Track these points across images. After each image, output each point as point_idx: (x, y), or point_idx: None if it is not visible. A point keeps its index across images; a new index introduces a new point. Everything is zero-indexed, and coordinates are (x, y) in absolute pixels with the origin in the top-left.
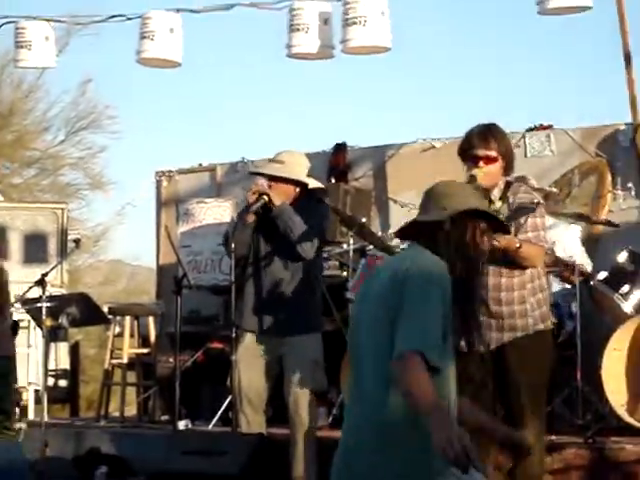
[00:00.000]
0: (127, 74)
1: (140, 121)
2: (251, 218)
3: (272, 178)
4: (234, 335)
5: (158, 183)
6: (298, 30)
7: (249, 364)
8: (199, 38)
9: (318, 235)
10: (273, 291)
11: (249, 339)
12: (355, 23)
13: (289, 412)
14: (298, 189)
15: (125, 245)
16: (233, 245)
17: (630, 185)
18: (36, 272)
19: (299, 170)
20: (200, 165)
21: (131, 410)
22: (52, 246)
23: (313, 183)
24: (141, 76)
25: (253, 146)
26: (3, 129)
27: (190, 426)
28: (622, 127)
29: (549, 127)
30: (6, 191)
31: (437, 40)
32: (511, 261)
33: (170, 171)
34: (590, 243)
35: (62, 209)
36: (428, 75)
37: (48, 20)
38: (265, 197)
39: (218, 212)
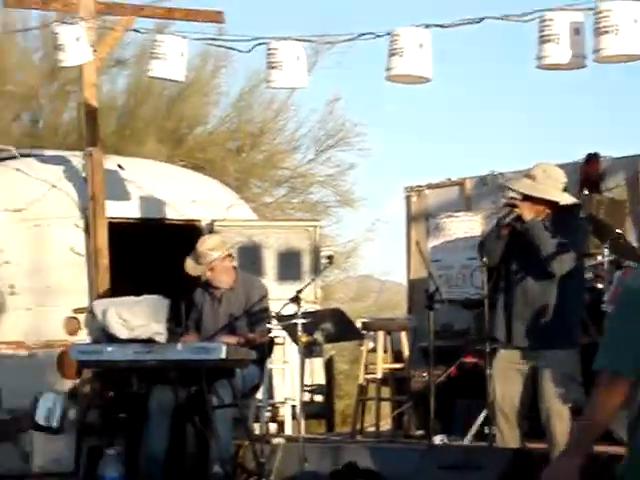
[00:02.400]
0: (375, 91)
1: (389, 137)
2: (505, 230)
3: (523, 196)
4: (488, 349)
5: (407, 198)
6: (549, 41)
7: (504, 378)
8: (448, 52)
9: (576, 250)
10: (526, 305)
11: (503, 353)
12: (607, 32)
13: (544, 427)
14: (549, 206)
15: (375, 260)
16: (485, 255)
17: None
18: (290, 289)
19: (552, 186)
20: (449, 179)
21: (386, 425)
22: (305, 263)
23: (567, 199)
24: (389, 92)
25: (502, 158)
26: (254, 149)
27: (446, 441)
28: None
29: None
30: (259, 210)
31: None
32: None
33: (419, 186)
34: None
35: (315, 227)
36: None
37: (299, 40)
38: (517, 210)
39: (468, 226)
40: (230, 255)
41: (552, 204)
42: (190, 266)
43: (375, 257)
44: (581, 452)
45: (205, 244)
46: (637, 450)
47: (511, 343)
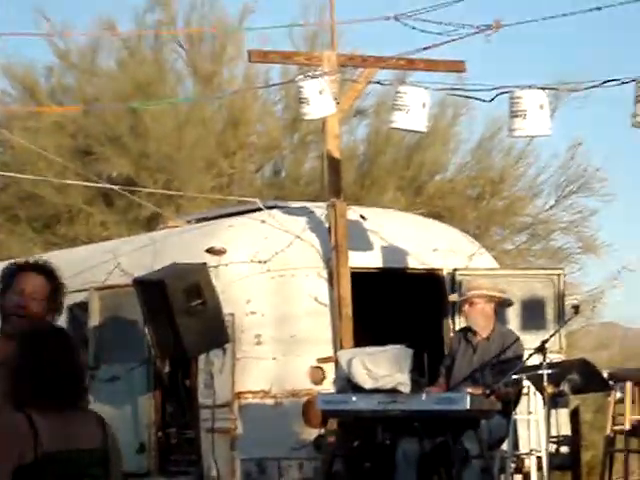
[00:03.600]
0: (617, 136)
1: (632, 182)
2: None
3: None
4: None
5: None
6: None
7: None
8: None
9: None
10: None
11: None
12: None
13: None
14: None
15: (619, 307)
16: None
17: None
18: (534, 338)
19: None
20: None
21: (635, 477)
22: (549, 312)
23: None
24: (631, 137)
25: None
26: (494, 196)
27: None
28: None
29: None
30: (499, 257)
31: None
32: None
33: None
34: None
35: (558, 275)
36: None
37: (543, 88)
38: None
39: None
40: (494, 302)
41: None
42: (453, 296)
43: (619, 304)
44: None
45: (476, 280)
46: None
47: None
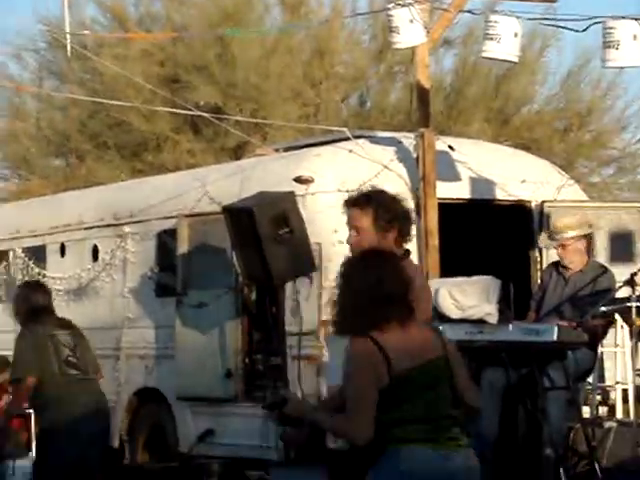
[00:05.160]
0: None
1: None
2: None
3: None
4: None
5: None
6: None
7: None
8: None
9: None
10: None
11: None
12: None
13: None
14: None
15: None
16: None
17: None
18: (622, 271)
19: None
20: None
21: None
22: (638, 245)
23: None
24: None
25: None
26: (581, 128)
27: None
28: None
29: None
30: (586, 190)
31: None
32: None
33: None
34: None
35: None
36: None
37: (636, 19)
38: None
39: None
40: (586, 236)
41: None
42: (543, 239)
43: None
44: None
45: (562, 220)
46: None
47: None
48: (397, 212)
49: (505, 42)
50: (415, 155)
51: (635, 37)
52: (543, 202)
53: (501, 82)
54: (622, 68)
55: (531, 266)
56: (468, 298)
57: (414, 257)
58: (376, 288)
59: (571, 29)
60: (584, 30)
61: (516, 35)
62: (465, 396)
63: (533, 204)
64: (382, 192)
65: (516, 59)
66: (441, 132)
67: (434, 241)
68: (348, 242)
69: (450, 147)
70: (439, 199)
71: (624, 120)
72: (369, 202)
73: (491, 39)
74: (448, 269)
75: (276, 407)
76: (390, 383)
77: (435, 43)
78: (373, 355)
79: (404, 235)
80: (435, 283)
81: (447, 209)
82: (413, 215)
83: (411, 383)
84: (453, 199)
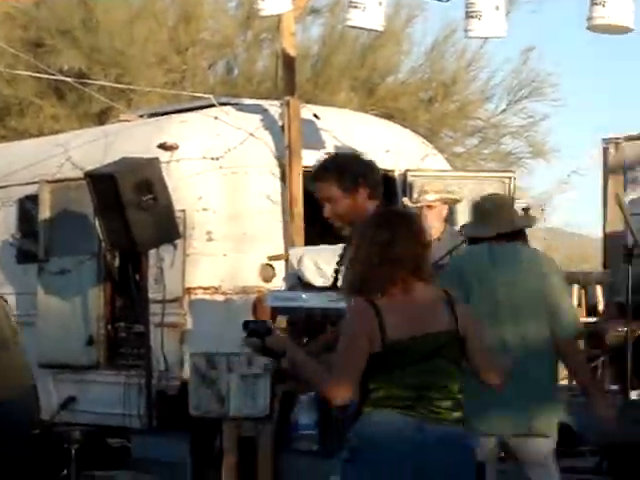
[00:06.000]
0: (570, 41)
1: (584, 88)
2: None
3: None
4: None
5: (605, 151)
6: None
7: None
8: None
9: None
10: None
11: None
12: None
13: None
14: None
15: (565, 213)
16: None
17: None
18: None
19: None
20: None
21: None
22: None
23: None
24: (585, 42)
25: None
26: (446, 98)
27: None
28: None
29: None
30: (449, 160)
31: None
32: None
33: (617, 138)
34: None
35: (509, 177)
36: None
37: None
38: None
39: None
40: (447, 203)
41: None
42: (405, 201)
43: (564, 210)
44: None
45: (428, 184)
46: None
47: None
48: (358, 169)
49: (369, 11)
50: (281, 123)
51: (497, 8)
52: (407, 171)
53: (367, 52)
54: (484, 38)
55: None
56: (331, 265)
57: (278, 225)
58: (386, 248)
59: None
60: (448, 0)
61: (380, 4)
62: (482, 374)
63: (397, 173)
64: (336, 156)
65: (381, 28)
66: (307, 100)
67: (299, 209)
68: (325, 215)
69: (315, 115)
70: (304, 167)
71: (488, 91)
72: (327, 171)
73: (356, 7)
74: (312, 237)
75: (258, 336)
76: (382, 351)
77: (302, 11)
78: (369, 321)
79: (374, 188)
80: (299, 251)
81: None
82: (278, 183)
83: (402, 354)
84: None
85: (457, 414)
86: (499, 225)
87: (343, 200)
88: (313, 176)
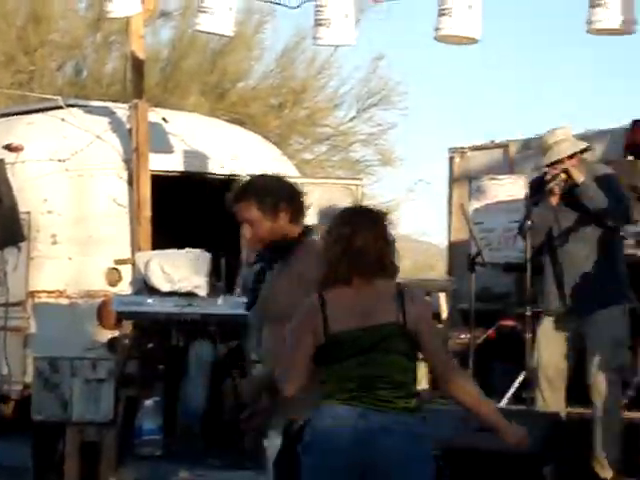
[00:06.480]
0: (419, 51)
1: (432, 98)
2: (555, 200)
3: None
4: (529, 313)
5: (451, 160)
6: (599, 5)
7: (549, 342)
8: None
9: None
10: (573, 270)
11: (549, 317)
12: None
13: (589, 389)
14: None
15: (412, 221)
16: (530, 234)
17: None
18: None
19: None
20: (492, 142)
21: (423, 386)
22: None
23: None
24: (433, 53)
25: (547, 122)
26: (296, 105)
27: None
28: None
29: None
30: (299, 167)
31: None
32: None
33: (463, 148)
34: None
35: (357, 185)
36: None
37: None
38: (563, 174)
39: (512, 189)
40: None
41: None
42: None
43: (411, 218)
44: None
45: None
46: None
47: (559, 306)
48: (280, 193)
49: (219, 16)
50: (129, 126)
51: (347, 15)
52: None
53: (218, 56)
54: (333, 46)
55: (242, 241)
56: (178, 271)
57: (125, 229)
58: (347, 242)
59: (285, 5)
60: (298, 7)
61: (231, 9)
62: (436, 369)
63: (244, 178)
64: (261, 177)
65: (231, 33)
66: (157, 104)
67: (146, 213)
68: (245, 236)
69: (164, 119)
70: (152, 171)
71: (337, 98)
72: (246, 192)
73: (205, 12)
74: (160, 242)
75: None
76: (325, 342)
77: (151, 14)
78: (314, 315)
79: (296, 212)
80: (146, 255)
81: (160, 181)
82: (125, 186)
83: (343, 345)
84: (166, 171)
85: (406, 404)
86: None
87: (263, 223)
88: (233, 197)
